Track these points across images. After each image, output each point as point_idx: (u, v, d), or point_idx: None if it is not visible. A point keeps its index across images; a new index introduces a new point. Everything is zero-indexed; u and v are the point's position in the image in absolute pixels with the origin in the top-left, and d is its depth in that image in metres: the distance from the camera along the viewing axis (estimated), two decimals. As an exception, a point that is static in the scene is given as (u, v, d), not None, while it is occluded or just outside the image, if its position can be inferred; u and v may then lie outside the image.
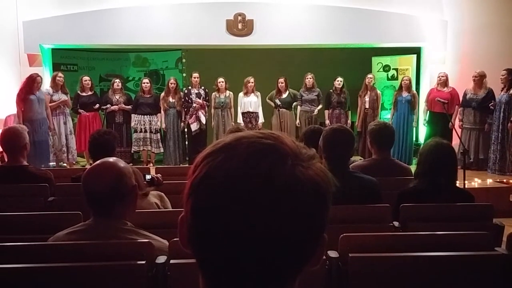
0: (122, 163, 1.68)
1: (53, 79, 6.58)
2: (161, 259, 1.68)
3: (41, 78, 6.27)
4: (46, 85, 6.68)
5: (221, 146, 0.57)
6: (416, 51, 7.86)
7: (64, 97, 6.57)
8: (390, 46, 7.69)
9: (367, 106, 7.07)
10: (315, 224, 0.56)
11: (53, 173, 3.17)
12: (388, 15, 7.19)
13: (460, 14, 7.28)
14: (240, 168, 0.53)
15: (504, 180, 5.58)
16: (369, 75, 7.20)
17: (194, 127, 6.89)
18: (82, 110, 6.82)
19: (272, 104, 7.13)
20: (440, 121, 6.53)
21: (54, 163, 6.54)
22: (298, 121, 7.10)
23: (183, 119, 7.02)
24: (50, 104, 6.41)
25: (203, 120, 6.92)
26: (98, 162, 1.68)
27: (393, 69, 8.20)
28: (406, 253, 1.78)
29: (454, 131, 5.93)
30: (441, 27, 7.31)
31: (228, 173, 0.54)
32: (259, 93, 7.09)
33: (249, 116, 7.04)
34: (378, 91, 7.31)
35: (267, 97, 7.17)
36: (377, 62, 8.30)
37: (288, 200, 0.53)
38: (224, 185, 0.53)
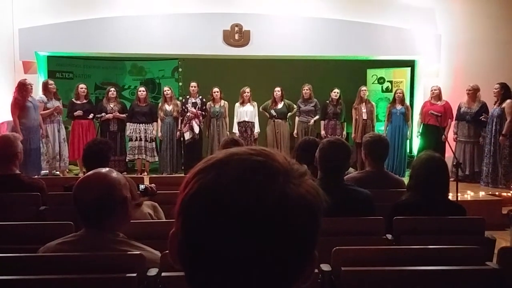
0: (114, 174, 1.67)
1: (45, 86, 6.48)
2: (153, 271, 1.66)
3: (31, 84, 6.19)
4: (39, 92, 6.65)
5: (212, 163, 0.57)
6: (410, 64, 7.94)
7: (57, 103, 6.54)
8: (384, 59, 7.76)
9: (364, 117, 7.12)
10: (305, 241, 0.56)
11: (45, 181, 3.15)
12: (383, 28, 7.26)
13: (453, 28, 7.37)
14: (231, 186, 0.53)
15: (497, 193, 5.60)
16: (363, 88, 7.25)
17: (186, 136, 6.90)
18: (78, 112, 6.67)
19: (267, 114, 7.16)
20: (433, 133, 6.57)
21: (47, 171, 6.48)
22: (295, 131, 7.14)
23: (178, 127, 7.02)
24: (44, 112, 6.37)
25: (196, 129, 6.91)
26: (90, 172, 1.67)
27: (387, 81, 8.26)
28: (398, 267, 1.78)
29: (447, 144, 5.97)
30: (435, 41, 7.39)
31: (218, 191, 0.54)
32: (255, 103, 7.11)
33: (245, 126, 7.04)
34: (373, 103, 7.38)
35: (261, 107, 7.20)
36: (372, 74, 8.37)
37: (278, 217, 0.53)
38: (214, 204, 0.53)
